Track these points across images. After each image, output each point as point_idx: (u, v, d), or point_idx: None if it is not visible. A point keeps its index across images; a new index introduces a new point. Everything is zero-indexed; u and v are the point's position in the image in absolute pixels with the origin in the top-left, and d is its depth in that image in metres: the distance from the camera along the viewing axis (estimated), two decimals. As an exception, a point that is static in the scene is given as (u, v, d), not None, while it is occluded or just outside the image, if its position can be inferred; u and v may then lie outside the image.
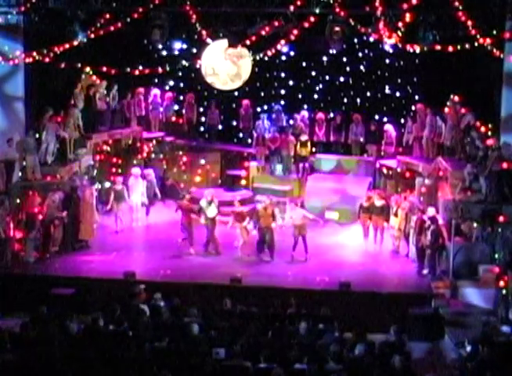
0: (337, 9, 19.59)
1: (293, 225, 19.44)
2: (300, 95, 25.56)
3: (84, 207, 19.89)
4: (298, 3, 19.78)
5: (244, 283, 17.54)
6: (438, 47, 19.63)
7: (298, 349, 12.91)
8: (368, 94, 25.17)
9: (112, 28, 20.44)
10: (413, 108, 23.28)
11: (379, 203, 20.15)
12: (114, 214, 21.30)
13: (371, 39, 21.10)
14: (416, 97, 23.79)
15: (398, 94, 24.78)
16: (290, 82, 25.70)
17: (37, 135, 20.77)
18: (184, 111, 25.38)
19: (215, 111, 25.23)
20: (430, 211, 18.42)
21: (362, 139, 24.33)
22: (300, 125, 24.29)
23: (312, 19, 19.82)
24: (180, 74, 25.11)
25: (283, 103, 25.47)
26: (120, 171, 23.70)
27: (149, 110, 25.27)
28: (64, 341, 12.95)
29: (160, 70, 22.27)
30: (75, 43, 20.60)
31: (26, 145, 20.23)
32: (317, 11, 19.84)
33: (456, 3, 18.84)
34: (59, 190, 19.77)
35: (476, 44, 18.94)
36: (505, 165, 18.28)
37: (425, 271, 18.31)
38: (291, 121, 24.76)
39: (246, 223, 19.64)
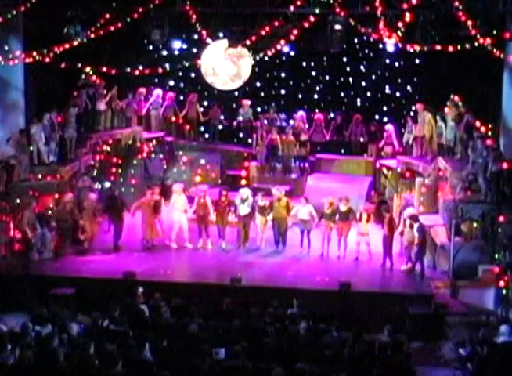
0: (337, 9, 19.63)
1: (300, 220, 19.55)
2: (300, 95, 25.57)
3: (87, 211, 19.82)
4: (298, 3, 19.83)
5: (244, 283, 17.55)
6: (438, 47, 19.65)
7: (298, 349, 12.91)
8: (368, 94, 25.19)
9: (112, 28, 20.47)
10: (413, 108, 23.29)
11: (343, 208, 19.58)
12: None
13: (371, 39, 21.12)
14: (416, 97, 23.80)
15: (398, 94, 24.82)
16: (290, 82, 25.71)
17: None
18: (185, 111, 25.38)
19: (217, 111, 25.26)
20: (409, 210, 18.65)
21: (362, 139, 24.35)
22: (299, 125, 24.29)
23: (312, 19, 19.85)
24: (180, 74, 25.12)
25: (282, 102, 25.51)
26: (120, 171, 23.70)
27: (149, 110, 25.29)
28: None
29: (160, 70, 22.30)
30: (75, 43, 20.62)
31: (20, 144, 20.23)
32: (317, 11, 19.89)
33: (456, 3, 18.87)
34: (69, 192, 19.80)
35: (476, 44, 18.95)
36: (505, 165, 18.28)
37: (404, 267, 18.41)
38: (291, 121, 24.76)
39: (270, 217, 19.83)
